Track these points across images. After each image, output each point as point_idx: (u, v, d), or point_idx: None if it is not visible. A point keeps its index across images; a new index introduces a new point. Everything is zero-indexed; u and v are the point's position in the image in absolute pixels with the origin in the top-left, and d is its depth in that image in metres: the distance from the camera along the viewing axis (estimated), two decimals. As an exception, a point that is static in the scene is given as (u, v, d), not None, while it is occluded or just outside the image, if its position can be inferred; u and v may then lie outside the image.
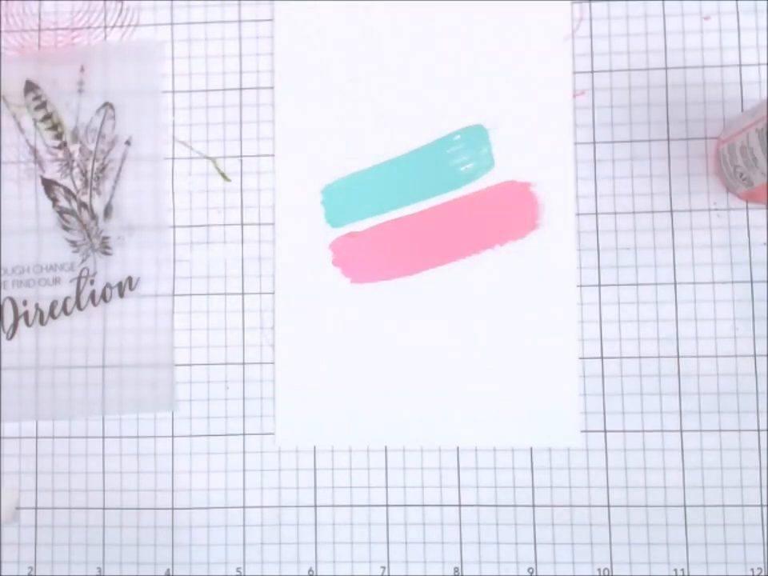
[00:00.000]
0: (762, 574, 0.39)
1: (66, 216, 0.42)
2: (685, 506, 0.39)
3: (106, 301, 0.42)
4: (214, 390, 0.41)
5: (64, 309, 0.42)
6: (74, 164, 0.42)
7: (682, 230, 0.40)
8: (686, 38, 0.41)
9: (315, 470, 0.40)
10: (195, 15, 0.43)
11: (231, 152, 0.42)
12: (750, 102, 0.40)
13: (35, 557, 0.41)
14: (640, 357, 0.40)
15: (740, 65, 0.41)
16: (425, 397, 0.40)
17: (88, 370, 0.41)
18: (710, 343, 0.40)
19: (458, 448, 0.40)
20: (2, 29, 0.43)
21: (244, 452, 0.41)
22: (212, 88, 0.42)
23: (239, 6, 0.43)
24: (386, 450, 0.40)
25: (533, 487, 0.40)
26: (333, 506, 0.40)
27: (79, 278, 0.42)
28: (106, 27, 0.43)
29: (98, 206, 0.42)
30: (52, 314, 0.42)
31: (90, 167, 0.42)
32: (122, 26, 0.43)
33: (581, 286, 0.40)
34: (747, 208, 0.40)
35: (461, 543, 0.40)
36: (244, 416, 0.41)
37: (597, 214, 0.41)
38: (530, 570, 0.39)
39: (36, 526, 0.41)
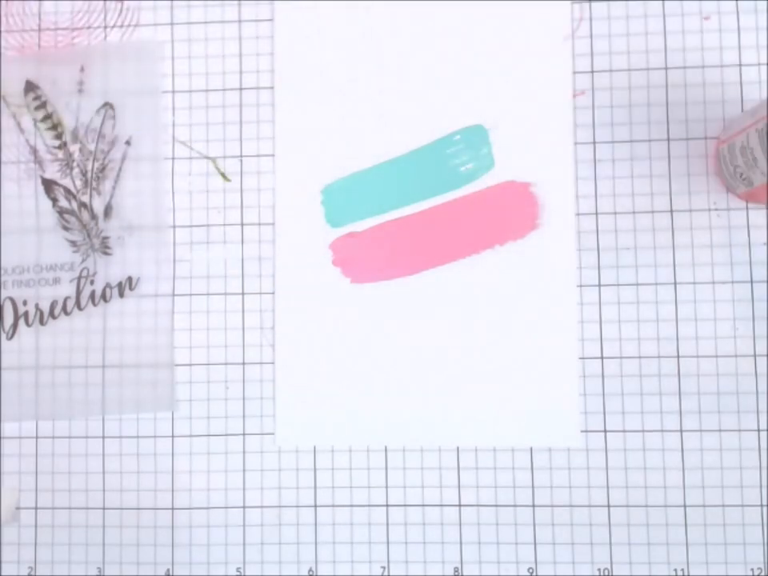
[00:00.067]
0: (762, 574, 0.39)
1: (66, 216, 0.42)
2: (685, 506, 0.39)
3: (105, 301, 0.42)
4: (214, 390, 0.41)
5: (64, 309, 0.42)
6: (74, 164, 0.42)
7: (682, 229, 0.40)
8: (685, 38, 0.41)
9: (315, 469, 0.40)
10: (195, 15, 0.43)
11: (231, 152, 0.42)
12: (750, 102, 0.40)
13: (35, 557, 0.41)
14: (640, 357, 0.40)
15: (740, 65, 0.41)
16: (425, 397, 0.40)
17: (88, 370, 0.41)
18: (709, 343, 0.40)
19: (458, 448, 0.40)
20: (2, 29, 0.43)
21: (244, 452, 0.41)
22: (212, 88, 0.42)
23: (239, 5, 0.43)
24: (386, 450, 0.40)
25: (533, 487, 0.40)
26: (333, 506, 0.40)
27: (79, 278, 0.42)
28: (105, 27, 0.43)
29: (98, 206, 0.42)
30: (52, 314, 0.42)
31: (89, 167, 0.42)
32: (122, 26, 0.43)
33: (581, 286, 0.40)
34: (747, 208, 0.40)
35: (461, 543, 0.40)
36: (244, 416, 0.41)
37: (597, 214, 0.41)
38: (530, 570, 0.39)
39: (36, 526, 0.41)
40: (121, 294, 0.42)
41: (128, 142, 0.42)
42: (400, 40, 0.42)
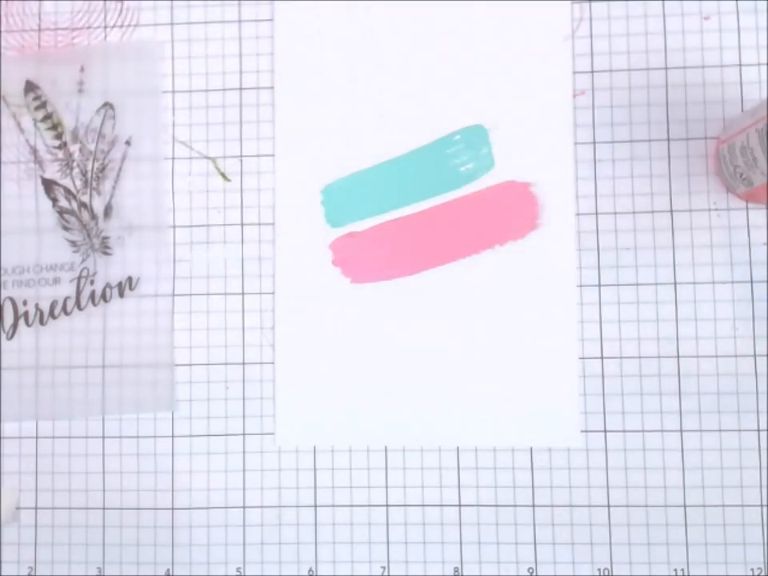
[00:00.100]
0: (762, 574, 0.39)
1: (66, 216, 0.42)
2: (685, 506, 0.39)
3: (105, 301, 0.42)
4: (214, 390, 0.41)
5: (64, 309, 0.42)
6: (74, 164, 0.42)
7: (682, 229, 0.40)
8: (685, 38, 0.41)
9: (315, 469, 0.40)
10: (195, 15, 0.43)
11: (231, 152, 0.42)
12: (750, 102, 0.40)
13: (35, 557, 0.41)
14: (640, 357, 0.40)
15: (740, 65, 0.41)
16: (425, 397, 0.40)
17: (88, 370, 0.41)
18: (709, 343, 0.40)
19: (458, 448, 0.40)
20: (2, 29, 0.43)
21: (244, 452, 0.41)
22: (212, 88, 0.42)
23: (239, 5, 0.43)
24: (386, 450, 0.40)
25: (533, 487, 0.40)
26: (333, 506, 0.40)
27: (79, 278, 0.42)
28: (105, 27, 0.43)
29: (98, 206, 0.42)
30: (52, 314, 0.42)
31: (90, 167, 0.42)
32: (122, 26, 0.43)
33: (581, 286, 0.40)
34: (747, 208, 0.40)
35: (461, 543, 0.40)
36: (244, 416, 0.41)
37: (597, 214, 0.41)
38: (530, 570, 0.39)
39: (36, 526, 0.41)
40: (121, 294, 0.42)
41: (128, 142, 0.42)
42: (400, 40, 0.42)
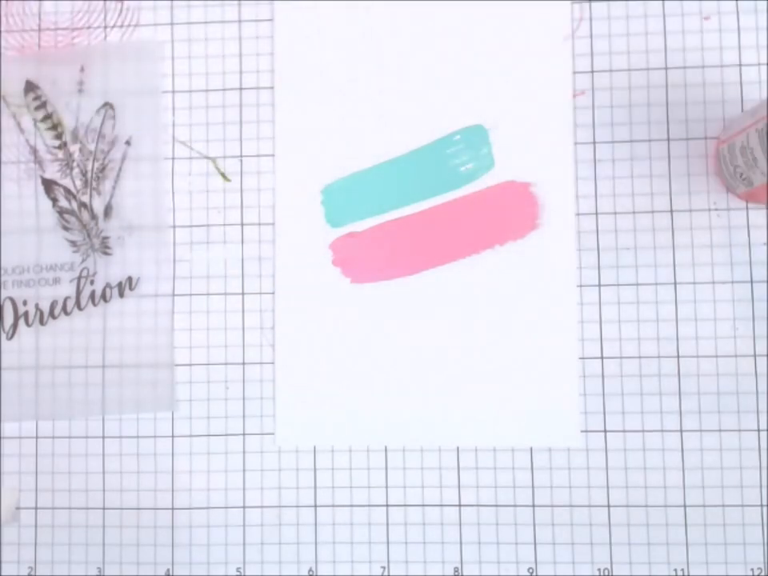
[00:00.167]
0: (762, 574, 0.39)
1: (66, 216, 0.42)
2: (685, 506, 0.39)
3: (106, 301, 0.42)
4: (214, 390, 0.41)
5: (64, 309, 0.42)
6: (74, 164, 0.42)
7: (682, 229, 0.40)
8: (685, 38, 0.41)
9: (315, 469, 0.40)
10: (195, 15, 0.43)
11: (231, 152, 0.42)
12: (750, 102, 0.40)
13: (35, 557, 0.41)
14: (640, 357, 0.40)
15: (740, 65, 0.41)
16: (425, 397, 0.40)
17: (88, 369, 0.41)
18: (709, 343, 0.40)
19: (458, 448, 0.40)
20: (2, 29, 0.43)
21: (244, 452, 0.41)
22: (212, 88, 0.42)
23: (239, 5, 0.43)
24: (386, 450, 0.40)
25: (533, 487, 0.40)
26: (333, 506, 0.40)
27: (79, 278, 0.42)
28: (105, 27, 0.43)
29: (98, 206, 0.42)
30: (52, 314, 0.42)
31: (90, 167, 0.42)
32: (122, 26, 0.43)
33: (581, 285, 0.40)
34: (747, 208, 0.40)
35: (461, 543, 0.40)
36: (244, 416, 0.41)
37: (597, 214, 0.41)
38: (530, 570, 0.39)
39: (36, 526, 0.41)
40: (121, 294, 0.42)
41: (128, 142, 0.42)
42: (400, 40, 0.42)
